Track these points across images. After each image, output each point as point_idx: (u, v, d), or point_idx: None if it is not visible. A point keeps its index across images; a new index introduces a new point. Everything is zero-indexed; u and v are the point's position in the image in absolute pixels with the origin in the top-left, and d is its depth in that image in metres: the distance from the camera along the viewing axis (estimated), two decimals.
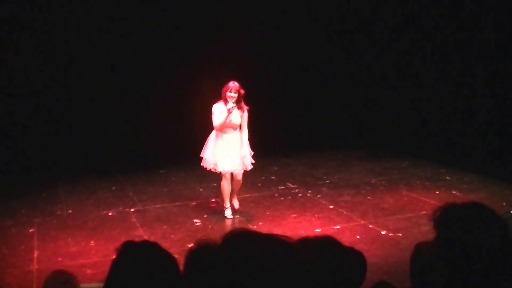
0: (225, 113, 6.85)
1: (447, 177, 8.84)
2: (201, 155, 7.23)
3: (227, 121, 6.92)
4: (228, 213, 7.29)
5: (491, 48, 9.20)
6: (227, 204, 7.32)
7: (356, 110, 11.83)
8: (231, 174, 7.17)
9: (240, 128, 7.08)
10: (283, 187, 8.64)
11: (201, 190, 8.75)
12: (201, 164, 7.28)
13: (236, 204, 7.51)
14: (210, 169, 7.22)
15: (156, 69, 10.74)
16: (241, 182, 7.32)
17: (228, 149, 7.01)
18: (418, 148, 10.53)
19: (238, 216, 7.36)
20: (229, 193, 7.30)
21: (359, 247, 3.10)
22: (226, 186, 7.20)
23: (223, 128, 6.98)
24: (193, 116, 10.96)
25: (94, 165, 10.15)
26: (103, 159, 10.36)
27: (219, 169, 7.08)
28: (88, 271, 5.63)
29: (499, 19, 8.98)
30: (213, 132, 7.13)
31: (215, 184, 8.93)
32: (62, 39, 10.30)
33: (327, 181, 8.98)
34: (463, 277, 1.82)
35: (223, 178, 7.17)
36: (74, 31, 10.33)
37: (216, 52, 10.67)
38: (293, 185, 8.76)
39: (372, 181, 8.84)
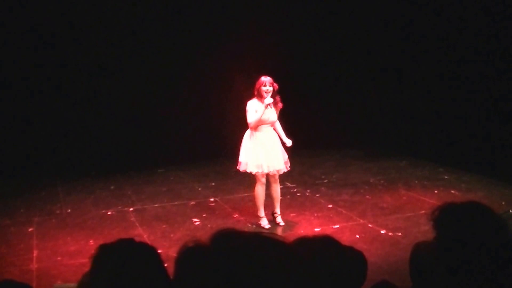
0: (261, 109, 6.43)
1: (446, 177, 8.85)
2: (240, 159, 6.71)
3: (265, 118, 6.50)
4: (265, 222, 6.80)
5: (489, 47, 9.21)
6: (262, 213, 6.82)
7: (354, 110, 11.82)
8: (268, 178, 6.75)
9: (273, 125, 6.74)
10: (281, 186, 8.57)
11: (200, 189, 8.75)
12: (238, 168, 6.77)
13: (280, 220, 6.91)
14: (250, 172, 6.65)
15: (152, 68, 10.73)
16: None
17: (268, 148, 6.59)
18: (417, 147, 10.54)
19: (236, 215, 7.35)
20: (264, 199, 6.79)
21: (358, 246, 3.10)
22: (261, 191, 6.72)
23: (259, 125, 6.54)
24: (192, 115, 10.98)
25: (92, 165, 10.15)
26: (102, 158, 10.36)
27: (265, 170, 6.58)
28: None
29: (497, 18, 8.99)
30: (247, 133, 6.70)
31: (213, 184, 8.97)
32: (61, 36, 10.28)
33: (326, 181, 8.99)
34: (463, 276, 1.82)
35: (258, 182, 6.68)
36: (75, 27, 10.32)
37: (214, 51, 10.68)
38: (291, 184, 8.76)
39: (371, 181, 8.85)
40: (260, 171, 6.60)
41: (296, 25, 11.27)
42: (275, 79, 6.60)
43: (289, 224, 6.94)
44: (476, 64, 9.45)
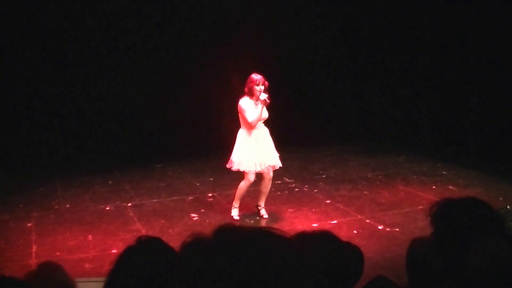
0: (258, 106, 6.46)
1: (444, 172, 8.87)
2: (232, 158, 6.69)
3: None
4: (235, 213, 6.93)
5: (486, 45, 9.21)
6: (237, 204, 6.93)
7: (352, 105, 11.83)
8: (261, 174, 6.76)
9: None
10: (279, 182, 8.62)
11: (198, 184, 8.76)
12: (229, 167, 6.76)
13: (264, 213, 7.02)
14: (243, 171, 6.65)
15: (151, 65, 10.73)
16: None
17: (262, 144, 6.63)
18: (415, 143, 10.55)
19: None
20: (244, 196, 6.91)
21: (356, 242, 3.12)
22: (244, 188, 6.78)
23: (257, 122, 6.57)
24: (189, 111, 10.97)
25: (91, 160, 10.15)
26: (100, 153, 10.36)
27: (258, 168, 6.60)
28: (86, 265, 5.64)
29: (493, 17, 8.99)
30: (241, 132, 6.69)
31: (211, 179, 8.97)
32: (59, 33, 10.27)
33: (324, 176, 9.01)
34: (459, 272, 1.83)
35: (246, 179, 6.70)
36: (74, 24, 10.30)
37: (211, 48, 10.68)
38: (289, 179, 8.77)
39: (369, 176, 8.87)
40: (253, 169, 6.62)
41: (295, 20, 11.26)
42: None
43: (287, 220, 6.95)
44: (475, 62, 9.45)
